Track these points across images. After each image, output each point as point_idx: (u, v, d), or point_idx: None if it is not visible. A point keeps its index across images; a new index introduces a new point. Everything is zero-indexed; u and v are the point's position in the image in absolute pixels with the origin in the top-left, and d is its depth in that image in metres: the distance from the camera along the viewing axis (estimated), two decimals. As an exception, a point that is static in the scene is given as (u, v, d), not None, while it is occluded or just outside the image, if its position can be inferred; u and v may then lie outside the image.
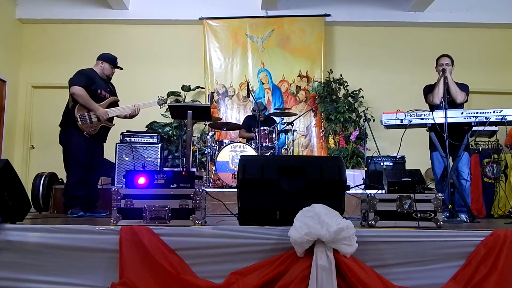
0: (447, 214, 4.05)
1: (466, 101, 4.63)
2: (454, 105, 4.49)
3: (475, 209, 5.36)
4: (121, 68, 4.77)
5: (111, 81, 4.78)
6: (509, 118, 4.07)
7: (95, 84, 4.46)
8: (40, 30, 7.83)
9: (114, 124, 4.63)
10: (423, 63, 7.52)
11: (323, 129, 7.53)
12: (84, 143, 4.36)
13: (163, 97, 5.13)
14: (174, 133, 7.24)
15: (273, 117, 6.82)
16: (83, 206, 4.34)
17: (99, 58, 4.65)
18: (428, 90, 4.69)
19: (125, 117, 4.75)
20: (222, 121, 6.89)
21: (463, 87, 4.59)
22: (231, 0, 7.77)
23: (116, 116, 4.67)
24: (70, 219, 3.92)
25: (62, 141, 4.41)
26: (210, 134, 6.28)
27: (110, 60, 4.65)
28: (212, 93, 7.41)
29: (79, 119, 4.32)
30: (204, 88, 7.64)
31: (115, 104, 4.65)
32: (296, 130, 6.87)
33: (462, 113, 4.17)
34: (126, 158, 5.87)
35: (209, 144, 6.18)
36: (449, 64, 4.57)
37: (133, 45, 7.69)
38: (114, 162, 5.90)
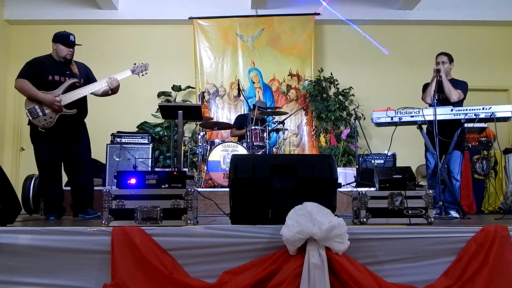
0: (438, 211, 4.08)
1: (464, 98, 4.59)
2: (450, 103, 4.47)
3: (466, 205, 5.41)
4: (79, 44, 4.13)
5: (85, 62, 4.30)
6: (498, 115, 4.11)
7: (44, 70, 3.97)
8: (29, 31, 7.78)
9: (75, 111, 3.99)
10: (413, 61, 7.60)
11: (314, 127, 7.55)
12: (45, 140, 3.97)
13: (141, 63, 4.47)
14: (165, 134, 7.23)
15: (264, 116, 6.82)
16: (59, 209, 4.09)
17: (52, 39, 4.06)
18: (424, 89, 4.71)
19: (104, 94, 4.22)
20: (213, 120, 6.88)
21: (460, 85, 4.57)
22: (221, -1, 7.75)
23: (95, 94, 4.17)
24: (62, 221, 3.90)
25: (31, 141, 4.09)
26: (201, 134, 6.28)
27: (62, 38, 4.02)
28: (203, 92, 7.40)
29: (29, 115, 3.93)
30: (194, 88, 7.64)
31: (77, 87, 4.04)
32: (287, 129, 6.87)
33: (451, 110, 4.19)
34: (117, 159, 5.85)
35: (200, 144, 6.18)
36: (445, 62, 4.58)
37: (123, 46, 7.66)
38: (104, 163, 5.88)
